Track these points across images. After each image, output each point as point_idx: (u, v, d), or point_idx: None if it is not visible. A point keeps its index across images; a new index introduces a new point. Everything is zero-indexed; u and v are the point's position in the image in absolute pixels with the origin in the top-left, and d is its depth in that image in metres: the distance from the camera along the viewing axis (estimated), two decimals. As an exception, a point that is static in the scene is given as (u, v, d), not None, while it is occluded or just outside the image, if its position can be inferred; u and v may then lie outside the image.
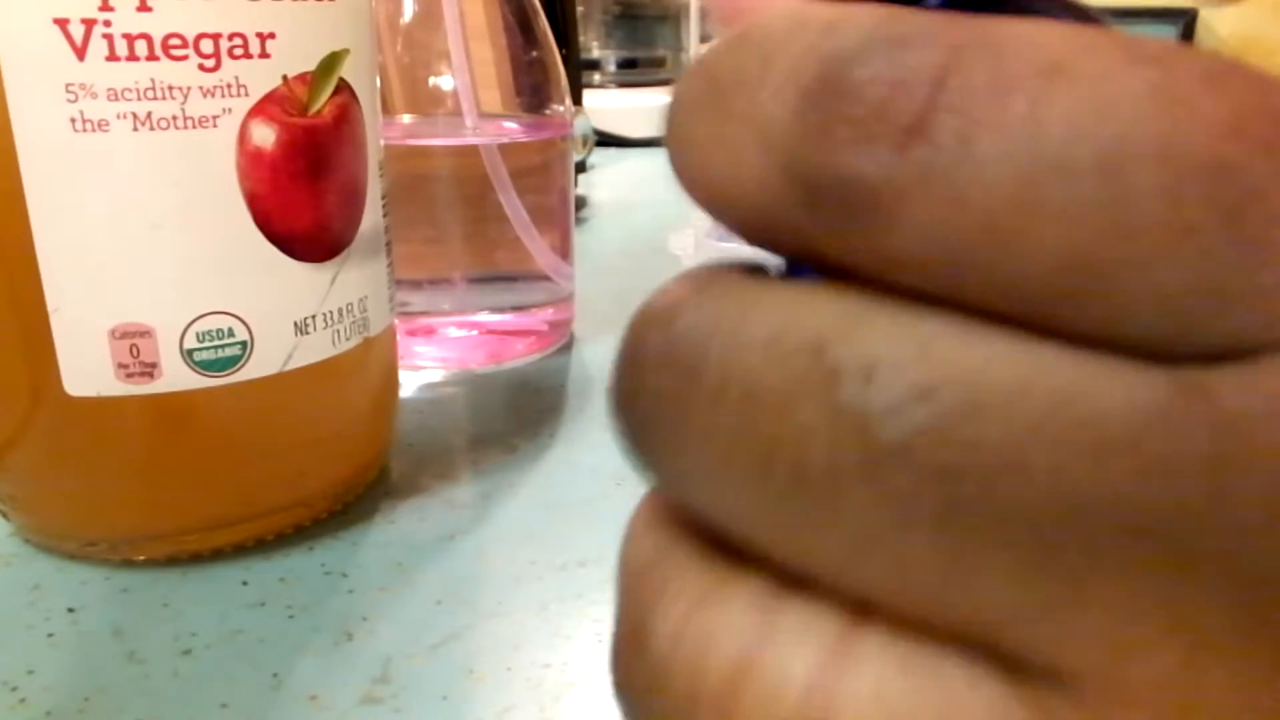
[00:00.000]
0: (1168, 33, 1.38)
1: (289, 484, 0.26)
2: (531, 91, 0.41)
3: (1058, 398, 0.08)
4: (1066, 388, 0.08)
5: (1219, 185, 0.07)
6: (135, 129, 0.21)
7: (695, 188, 0.10)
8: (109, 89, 0.21)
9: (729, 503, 0.09)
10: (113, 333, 0.23)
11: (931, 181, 0.08)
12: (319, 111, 0.24)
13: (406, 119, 0.39)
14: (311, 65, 0.24)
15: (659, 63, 1.21)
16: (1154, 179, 0.07)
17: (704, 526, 0.10)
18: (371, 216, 0.27)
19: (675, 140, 0.10)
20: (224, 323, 0.23)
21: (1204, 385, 0.08)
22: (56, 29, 0.20)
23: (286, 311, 0.24)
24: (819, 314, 0.09)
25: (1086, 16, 0.13)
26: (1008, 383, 0.08)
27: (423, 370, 0.39)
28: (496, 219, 0.38)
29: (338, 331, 0.26)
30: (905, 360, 0.08)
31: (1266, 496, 0.08)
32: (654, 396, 0.10)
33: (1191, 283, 0.08)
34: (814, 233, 0.09)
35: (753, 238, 0.10)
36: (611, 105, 1.01)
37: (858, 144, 0.08)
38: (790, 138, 0.08)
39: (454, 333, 0.40)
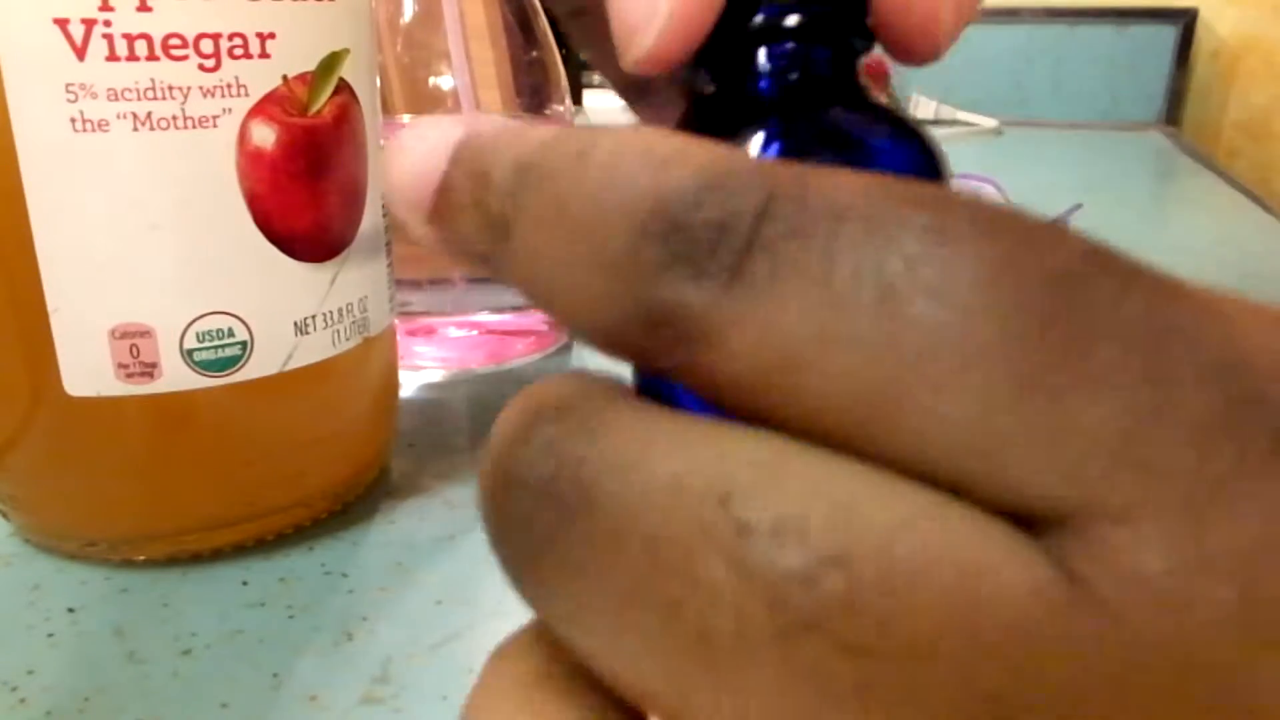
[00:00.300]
0: (1168, 33, 1.38)
1: (289, 484, 0.26)
2: (531, 91, 0.41)
3: (964, 578, 0.08)
4: (972, 566, 0.08)
5: (988, 323, 0.08)
6: (135, 129, 0.21)
7: (541, 301, 0.10)
8: (109, 89, 0.21)
9: (621, 656, 0.09)
10: (113, 333, 0.23)
11: (749, 315, 0.08)
12: (319, 111, 0.24)
13: (406, 119, 0.39)
14: (311, 65, 0.24)
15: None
16: (929, 311, 0.08)
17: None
18: (371, 216, 0.27)
19: (520, 253, 0.10)
20: (224, 323, 0.23)
21: (1081, 576, 0.08)
22: (56, 29, 0.20)
23: (286, 311, 0.24)
24: (726, 459, 0.09)
25: (921, 149, 0.14)
26: (918, 556, 0.08)
27: (423, 370, 0.39)
28: (496, 219, 0.38)
29: (338, 331, 0.26)
30: (819, 521, 0.08)
31: (1142, 666, 0.08)
32: (538, 532, 0.09)
33: (977, 418, 0.08)
34: (651, 354, 0.09)
35: (596, 348, 0.10)
36: (611, 105, 1.01)
37: (688, 280, 0.09)
38: (629, 269, 0.09)
39: (454, 333, 0.40)
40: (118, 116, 0.21)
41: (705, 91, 0.14)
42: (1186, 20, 1.38)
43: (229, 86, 0.22)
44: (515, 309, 0.41)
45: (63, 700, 0.21)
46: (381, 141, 0.28)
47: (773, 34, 0.13)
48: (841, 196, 0.09)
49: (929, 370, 0.08)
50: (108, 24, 0.21)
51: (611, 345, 0.10)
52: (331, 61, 0.24)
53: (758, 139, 0.13)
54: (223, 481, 0.25)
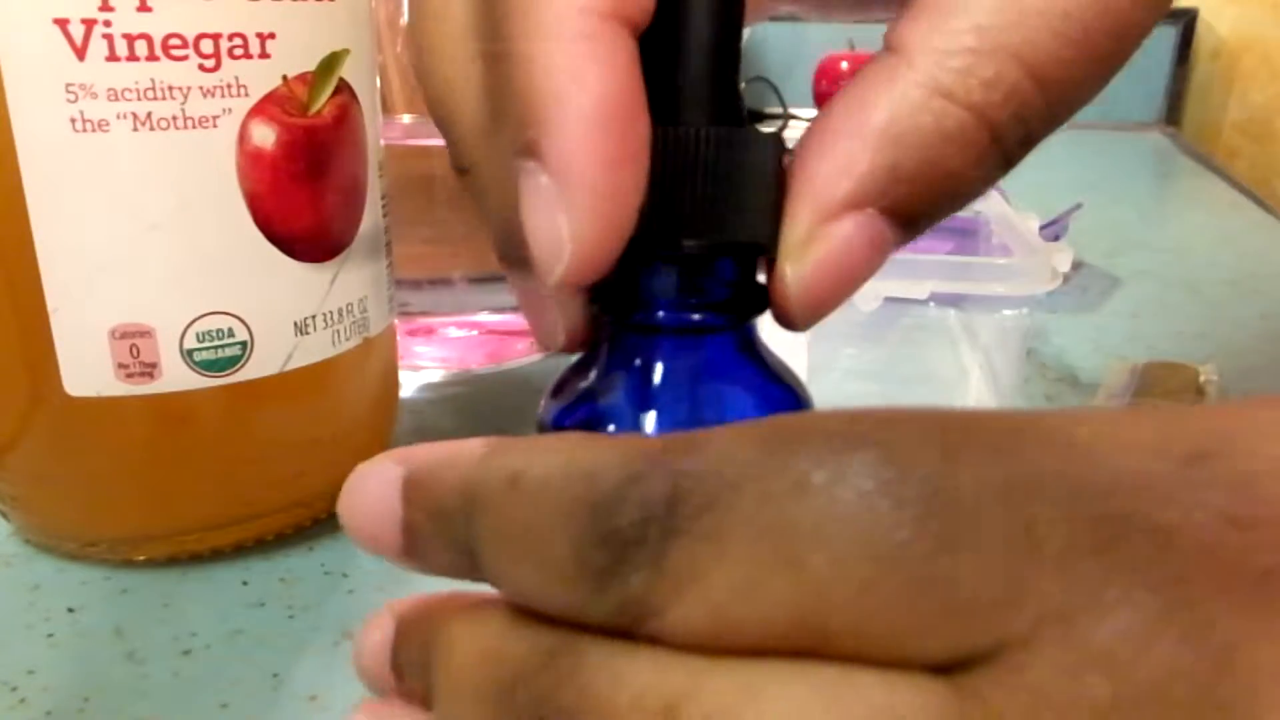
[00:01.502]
0: (1168, 33, 1.38)
1: (289, 484, 0.26)
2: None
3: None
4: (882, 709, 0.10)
5: (878, 543, 0.10)
6: (135, 129, 0.21)
7: (510, 593, 0.12)
8: (109, 89, 0.21)
9: None
10: (113, 333, 0.23)
11: (681, 588, 0.10)
12: (319, 111, 0.24)
13: (406, 119, 0.39)
14: (311, 65, 0.24)
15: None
16: (824, 555, 0.10)
17: None
18: (371, 216, 0.27)
19: (490, 571, 0.12)
20: (224, 323, 0.23)
21: (975, 689, 0.10)
22: (56, 29, 0.20)
23: (286, 311, 0.24)
24: (671, 675, 0.11)
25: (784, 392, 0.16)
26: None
27: (423, 370, 0.39)
28: (496, 219, 0.38)
29: (338, 332, 0.26)
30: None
31: None
32: None
33: (894, 622, 0.10)
34: (619, 631, 0.11)
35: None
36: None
37: (629, 574, 0.11)
38: (582, 577, 0.11)
39: (454, 333, 0.40)
40: (118, 116, 0.21)
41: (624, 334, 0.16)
42: (1186, 20, 1.38)
43: (229, 86, 0.22)
44: (515, 309, 0.41)
45: (63, 700, 0.21)
46: (381, 141, 0.28)
47: (678, 328, 0.15)
48: (735, 462, 0.11)
49: (840, 599, 0.10)
50: (108, 24, 0.21)
51: (574, 621, 0.11)
52: (331, 61, 0.24)
53: (651, 416, 0.15)
54: (223, 481, 0.25)
